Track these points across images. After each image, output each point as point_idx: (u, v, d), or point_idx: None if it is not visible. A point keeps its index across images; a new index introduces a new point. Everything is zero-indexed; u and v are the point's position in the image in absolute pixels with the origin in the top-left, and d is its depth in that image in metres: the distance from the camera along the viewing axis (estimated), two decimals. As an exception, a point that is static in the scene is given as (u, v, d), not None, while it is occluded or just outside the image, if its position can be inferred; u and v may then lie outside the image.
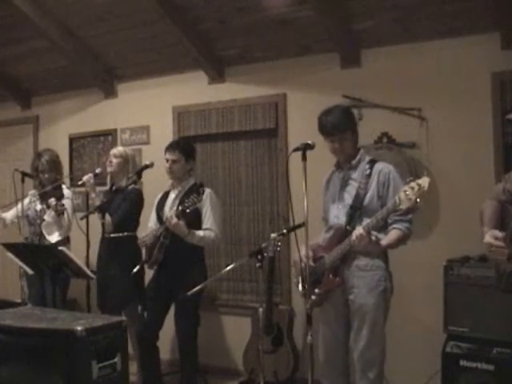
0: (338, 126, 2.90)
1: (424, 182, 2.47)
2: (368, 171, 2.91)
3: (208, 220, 3.61)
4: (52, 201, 3.91)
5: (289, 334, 4.08)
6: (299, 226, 3.01)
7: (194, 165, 3.82)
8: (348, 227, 2.85)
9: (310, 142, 2.72)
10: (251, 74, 4.51)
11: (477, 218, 2.65)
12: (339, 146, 2.93)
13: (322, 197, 3.15)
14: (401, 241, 2.84)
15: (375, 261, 2.85)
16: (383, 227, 2.85)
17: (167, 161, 3.69)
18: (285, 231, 3.24)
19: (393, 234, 2.82)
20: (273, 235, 3.50)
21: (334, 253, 2.87)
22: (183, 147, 3.74)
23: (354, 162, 2.97)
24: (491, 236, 2.34)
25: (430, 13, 3.65)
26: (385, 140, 3.94)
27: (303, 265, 2.91)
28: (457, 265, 3.31)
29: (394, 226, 2.82)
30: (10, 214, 4.27)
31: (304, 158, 2.69)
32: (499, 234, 2.32)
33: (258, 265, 2.94)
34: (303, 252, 2.86)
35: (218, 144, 4.72)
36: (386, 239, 2.82)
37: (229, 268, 3.15)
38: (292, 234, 3.14)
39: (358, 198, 2.88)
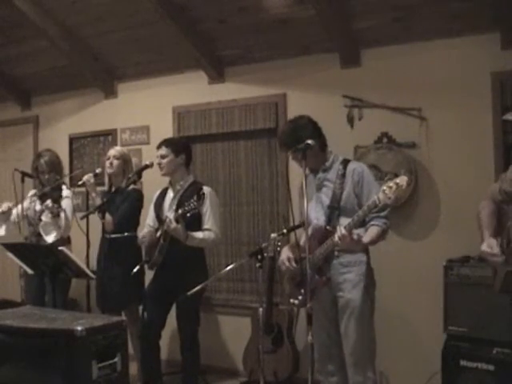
0: (285, 143, 3.00)
1: (402, 180, 2.54)
2: (342, 171, 2.99)
3: (208, 220, 3.60)
4: (48, 203, 3.93)
5: (289, 334, 4.08)
6: (299, 226, 3.02)
7: (186, 160, 3.73)
8: (328, 227, 2.92)
9: (309, 141, 2.74)
10: (251, 73, 4.51)
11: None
12: (295, 160, 2.99)
13: (298, 201, 3.09)
14: (380, 236, 2.91)
15: (358, 255, 2.93)
16: (361, 224, 2.89)
17: (157, 158, 3.70)
18: (285, 231, 3.25)
19: (373, 230, 2.89)
20: (273, 235, 3.49)
21: (316, 253, 2.91)
22: (171, 142, 3.74)
23: (327, 164, 3.04)
24: (488, 246, 2.41)
25: (430, 13, 3.65)
26: (385, 140, 3.93)
27: (285, 267, 3.06)
28: (457, 265, 3.31)
29: (372, 223, 2.90)
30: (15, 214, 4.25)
31: (304, 157, 2.70)
32: (495, 243, 2.39)
33: (258, 265, 2.95)
34: (284, 255, 3.03)
35: (218, 144, 4.72)
36: (367, 236, 2.88)
37: (229, 268, 3.15)
38: (292, 234, 3.15)
39: (335, 198, 2.96)
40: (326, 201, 2.99)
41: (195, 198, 3.32)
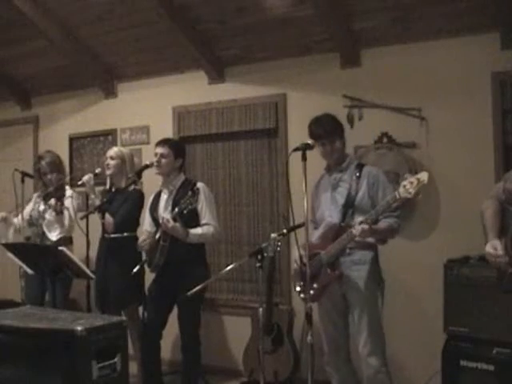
0: (328, 130, 3.11)
1: (423, 176, 2.65)
2: (358, 173, 3.11)
3: (205, 215, 3.61)
4: (52, 201, 3.94)
5: (289, 334, 4.08)
6: (299, 226, 3.03)
7: (182, 163, 3.79)
8: (342, 224, 3.02)
9: (309, 141, 2.78)
10: (251, 73, 4.51)
11: (477, 217, 2.66)
12: (330, 148, 3.12)
13: (311, 200, 3.29)
14: (388, 232, 3.01)
15: (368, 253, 3.03)
16: (374, 223, 2.97)
17: (156, 155, 3.69)
18: (285, 231, 3.26)
19: (382, 223, 2.98)
20: (273, 235, 3.49)
21: (331, 249, 3.01)
22: (173, 143, 3.78)
23: (344, 165, 3.18)
24: (492, 247, 2.45)
25: (430, 13, 3.65)
26: (385, 140, 3.94)
27: (297, 265, 3.15)
28: (457, 265, 3.31)
29: (384, 220, 2.99)
30: (19, 220, 4.26)
31: (304, 158, 2.71)
32: (499, 244, 2.43)
33: (257, 265, 2.95)
34: (296, 255, 3.12)
35: (218, 144, 4.72)
36: (377, 226, 2.97)
37: (229, 268, 3.15)
38: (292, 233, 3.15)
39: (350, 198, 3.07)
40: (341, 200, 3.10)
41: (190, 193, 3.36)
